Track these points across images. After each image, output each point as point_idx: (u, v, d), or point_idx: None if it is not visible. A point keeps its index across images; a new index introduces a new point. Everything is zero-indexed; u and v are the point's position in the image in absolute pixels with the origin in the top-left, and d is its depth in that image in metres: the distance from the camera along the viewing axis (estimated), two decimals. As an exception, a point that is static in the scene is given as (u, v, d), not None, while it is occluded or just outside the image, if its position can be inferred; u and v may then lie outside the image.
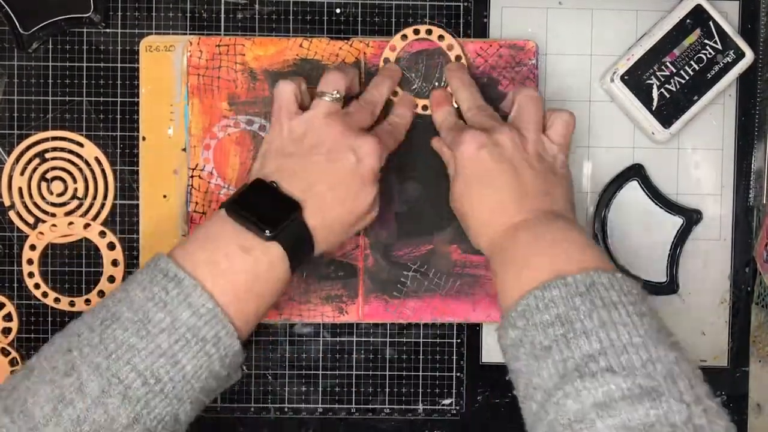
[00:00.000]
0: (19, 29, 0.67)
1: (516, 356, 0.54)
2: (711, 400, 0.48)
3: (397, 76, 0.68)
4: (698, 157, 0.71)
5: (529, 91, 0.64)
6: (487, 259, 0.61)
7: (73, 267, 0.69)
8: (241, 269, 0.56)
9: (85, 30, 0.69)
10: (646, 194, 0.70)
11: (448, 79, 0.67)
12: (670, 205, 0.70)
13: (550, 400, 0.49)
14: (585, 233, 0.58)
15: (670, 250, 0.70)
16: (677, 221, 0.70)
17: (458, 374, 0.70)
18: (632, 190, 0.70)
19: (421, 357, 0.70)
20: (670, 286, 0.70)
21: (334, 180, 0.60)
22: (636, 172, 0.70)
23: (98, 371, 0.52)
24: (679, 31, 0.68)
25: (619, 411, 0.46)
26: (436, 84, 0.69)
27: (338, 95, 0.62)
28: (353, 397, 0.70)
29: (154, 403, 0.52)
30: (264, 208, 0.58)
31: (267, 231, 0.56)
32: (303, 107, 0.63)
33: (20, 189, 0.69)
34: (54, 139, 0.69)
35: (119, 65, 0.69)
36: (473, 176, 0.61)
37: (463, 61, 0.68)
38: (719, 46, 0.68)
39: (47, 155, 0.69)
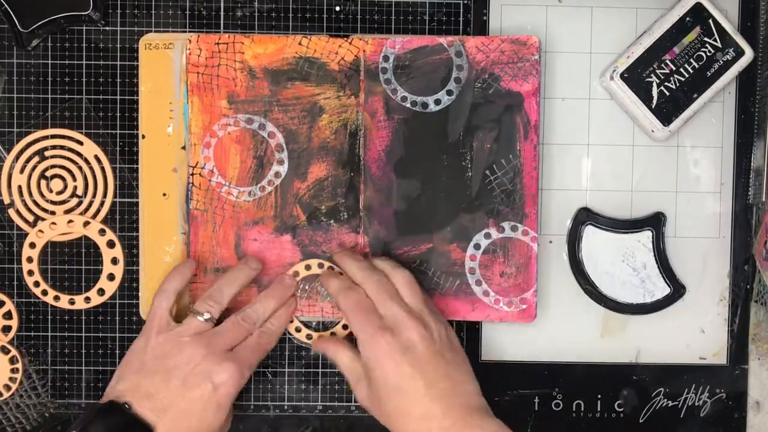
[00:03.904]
0: (19, 27, 0.67)
1: None
2: None
3: (287, 295, 0.67)
4: (697, 154, 0.71)
5: (402, 274, 0.64)
6: None
7: (73, 265, 0.69)
8: None
9: (84, 28, 0.69)
10: (599, 228, 0.70)
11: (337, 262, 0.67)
12: (627, 225, 0.70)
13: None
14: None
15: (656, 261, 0.70)
16: (646, 234, 0.70)
17: (458, 372, 0.70)
18: (591, 234, 0.70)
19: (420, 355, 0.70)
20: (677, 293, 0.70)
21: (188, 407, 0.61)
22: (585, 217, 0.70)
23: None
24: (679, 29, 0.68)
25: None
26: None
27: (210, 317, 0.64)
28: (353, 395, 0.70)
29: None
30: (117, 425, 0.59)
31: None
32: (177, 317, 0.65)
33: (20, 187, 0.69)
34: (53, 137, 0.69)
35: (118, 63, 0.69)
36: (391, 387, 0.61)
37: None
38: (719, 44, 0.68)
39: (47, 153, 0.69)
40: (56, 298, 0.69)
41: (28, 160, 0.69)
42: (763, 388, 0.72)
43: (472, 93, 0.68)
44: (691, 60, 0.68)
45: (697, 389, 0.71)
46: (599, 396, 0.71)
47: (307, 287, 0.69)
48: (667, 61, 0.68)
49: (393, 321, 0.61)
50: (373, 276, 0.64)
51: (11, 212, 0.69)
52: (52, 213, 0.69)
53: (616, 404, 0.71)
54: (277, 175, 0.68)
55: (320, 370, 0.70)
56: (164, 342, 0.63)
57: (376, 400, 0.62)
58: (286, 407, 0.70)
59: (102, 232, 0.69)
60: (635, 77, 0.68)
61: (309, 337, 0.69)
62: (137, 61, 0.69)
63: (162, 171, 0.69)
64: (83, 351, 0.70)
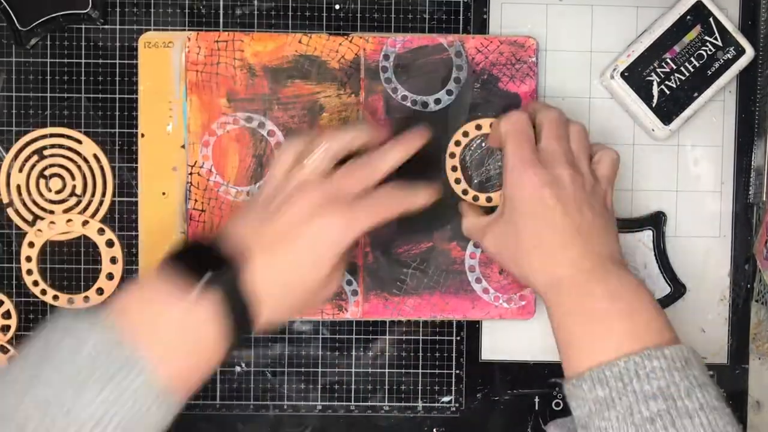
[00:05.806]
0: (17, 25, 0.67)
1: (601, 414, 0.53)
2: None
3: (419, 144, 0.62)
4: (698, 153, 0.71)
5: (578, 126, 0.63)
6: (526, 286, 0.63)
7: (72, 264, 0.69)
8: (173, 318, 0.52)
9: (83, 26, 0.69)
10: None
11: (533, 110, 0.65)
12: (627, 224, 0.70)
13: None
14: (647, 288, 0.58)
15: (656, 260, 0.70)
16: (646, 233, 0.70)
17: (458, 371, 0.70)
18: None
19: (420, 354, 0.70)
20: (678, 292, 0.70)
21: (290, 249, 0.55)
22: None
23: None
24: (680, 27, 0.68)
25: None
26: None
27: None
28: (352, 395, 0.70)
29: None
30: (202, 260, 0.54)
31: (202, 277, 0.52)
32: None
33: (18, 186, 0.68)
34: (52, 135, 0.68)
35: (117, 61, 0.69)
36: (528, 213, 0.59)
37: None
38: (719, 43, 0.68)
39: (45, 152, 0.68)
40: (55, 297, 0.69)
41: (26, 159, 0.68)
42: (763, 388, 0.72)
43: (471, 93, 0.68)
44: (692, 59, 0.68)
45: (697, 389, 0.71)
46: (600, 395, 0.71)
47: None
48: (668, 60, 0.68)
49: (549, 156, 0.60)
50: (553, 111, 0.62)
51: (10, 211, 0.69)
52: (51, 212, 0.69)
53: (616, 404, 0.71)
54: (276, 174, 0.68)
55: (320, 369, 0.70)
56: (281, 181, 0.58)
57: (509, 237, 0.60)
58: (285, 407, 0.70)
59: (101, 231, 0.69)
60: (636, 76, 0.68)
61: (465, 192, 0.68)
62: (136, 60, 0.68)
63: (161, 170, 0.69)
64: (82, 350, 0.69)
